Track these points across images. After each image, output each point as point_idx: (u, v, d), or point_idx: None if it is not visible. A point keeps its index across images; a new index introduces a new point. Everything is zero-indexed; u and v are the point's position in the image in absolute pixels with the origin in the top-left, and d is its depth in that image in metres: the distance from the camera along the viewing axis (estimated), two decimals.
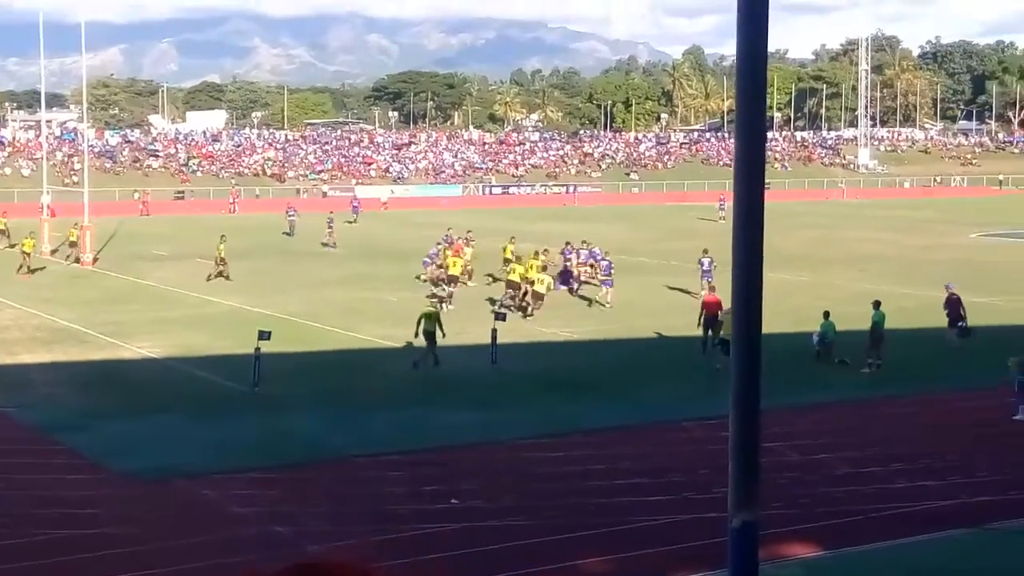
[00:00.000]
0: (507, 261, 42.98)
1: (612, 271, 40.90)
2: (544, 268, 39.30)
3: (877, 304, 30.84)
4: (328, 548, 16.44)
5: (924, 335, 33.94)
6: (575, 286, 42.84)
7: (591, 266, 43.68)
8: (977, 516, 18.07)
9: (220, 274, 45.68)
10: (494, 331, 30.03)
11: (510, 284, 39.20)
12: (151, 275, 47.49)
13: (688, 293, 41.24)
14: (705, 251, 40.83)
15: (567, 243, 45.24)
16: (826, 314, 31.46)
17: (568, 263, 43.90)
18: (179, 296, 41.87)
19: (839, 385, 28.09)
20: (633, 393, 26.95)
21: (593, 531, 17.35)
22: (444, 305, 35.94)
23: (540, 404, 25.82)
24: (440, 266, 42.91)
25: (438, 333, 29.62)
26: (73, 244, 52.68)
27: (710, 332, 30.69)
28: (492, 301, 39.10)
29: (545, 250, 42.16)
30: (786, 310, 34.57)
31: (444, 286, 40.27)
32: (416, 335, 29.94)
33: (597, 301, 39.88)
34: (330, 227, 60.20)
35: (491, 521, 17.84)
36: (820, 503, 18.68)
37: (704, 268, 40.28)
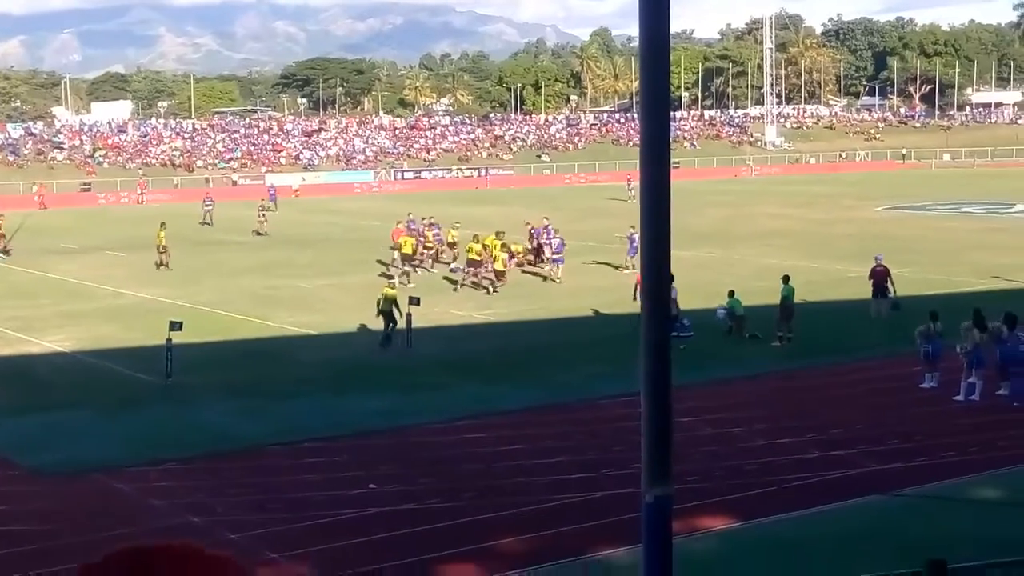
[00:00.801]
0: (451, 245, 44.87)
1: (564, 248, 41.70)
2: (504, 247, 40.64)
3: (786, 279, 31.30)
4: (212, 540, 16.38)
5: (833, 308, 34.52)
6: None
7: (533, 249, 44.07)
8: (887, 483, 18.45)
9: (162, 263, 45.65)
10: (409, 315, 30.00)
11: (471, 263, 39.87)
12: (59, 268, 46.72)
13: (615, 267, 41.79)
14: (633, 227, 41.14)
15: (530, 224, 46.19)
16: (731, 292, 31.88)
17: (537, 242, 44.25)
18: (88, 289, 41.26)
19: (751, 359, 28.47)
20: (550, 374, 27.09)
21: (511, 511, 17.44)
22: (397, 282, 36.23)
23: (456, 387, 25.86)
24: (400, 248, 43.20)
25: (395, 313, 30.25)
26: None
27: None
28: (451, 283, 40.49)
29: (502, 232, 42.48)
30: (697, 286, 34.94)
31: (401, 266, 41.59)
32: (377, 315, 30.56)
33: (549, 278, 41.01)
34: (262, 216, 59.66)
35: (409, 504, 17.86)
36: (734, 475, 18.94)
37: (634, 244, 40.67)
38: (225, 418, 23.57)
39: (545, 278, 40.75)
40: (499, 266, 38.72)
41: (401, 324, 30.18)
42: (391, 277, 36.65)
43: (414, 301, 29.84)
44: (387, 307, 30.55)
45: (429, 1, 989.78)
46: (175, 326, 26.43)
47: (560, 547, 15.95)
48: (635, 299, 31.40)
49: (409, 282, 39.20)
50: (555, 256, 41.54)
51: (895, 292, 33.74)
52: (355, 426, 22.60)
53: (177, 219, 61.28)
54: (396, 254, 43.45)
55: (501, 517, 17.20)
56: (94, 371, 28.33)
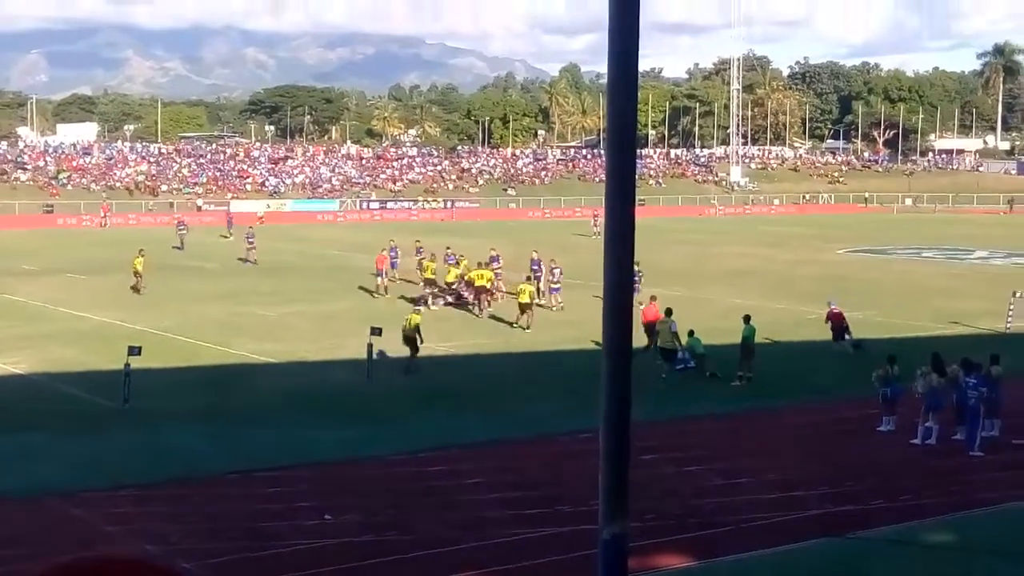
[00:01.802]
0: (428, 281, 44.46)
1: (561, 277, 43.16)
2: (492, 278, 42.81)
3: (747, 318, 31.47)
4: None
5: (795, 348, 34.72)
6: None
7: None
8: (843, 525, 18.51)
9: (135, 287, 45.37)
10: (369, 345, 29.93)
11: (480, 289, 41.65)
12: (19, 290, 46.35)
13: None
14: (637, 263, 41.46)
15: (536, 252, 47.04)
16: (691, 332, 32.02)
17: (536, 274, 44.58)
18: (48, 311, 40.95)
19: (710, 398, 28.56)
20: (510, 407, 27.07)
21: (468, 544, 17.40)
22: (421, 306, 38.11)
23: (416, 419, 25.81)
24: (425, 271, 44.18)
25: (418, 339, 31.08)
26: None
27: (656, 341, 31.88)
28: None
29: (490, 260, 45.46)
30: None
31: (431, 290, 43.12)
32: (403, 341, 31.20)
33: (547, 307, 41.64)
34: (250, 243, 58.60)
35: (366, 536, 17.78)
36: (692, 514, 18.98)
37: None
38: (183, 445, 23.40)
39: (517, 318, 39.75)
40: (524, 299, 38.31)
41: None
42: (417, 303, 38.27)
43: (376, 331, 29.77)
44: (411, 333, 31.18)
45: (400, 32, 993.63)
46: (133, 351, 26.27)
47: None
48: (691, 333, 31.75)
49: (432, 306, 41.42)
50: (554, 286, 42.90)
51: (851, 333, 34.24)
52: (314, 456, 22.50)
53: (137, 245, 60.93)
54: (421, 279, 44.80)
55: (459, 551, 17.15)
56: (52, 394, 28.09)
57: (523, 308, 38.32)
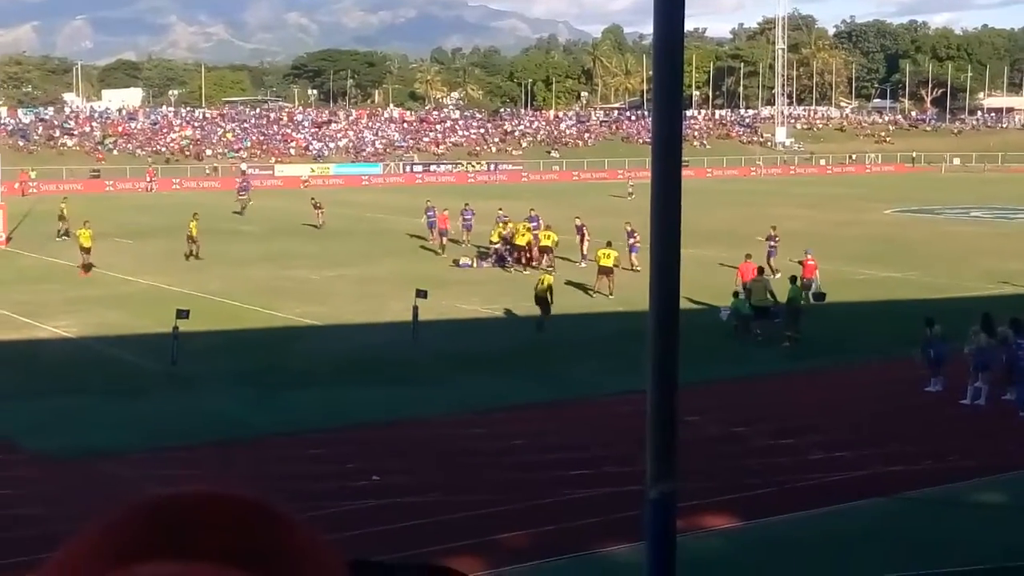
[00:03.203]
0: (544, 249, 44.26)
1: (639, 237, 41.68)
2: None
3: (793, 279, 31.31)
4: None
5: (842, 309, 34.47)
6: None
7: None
8: (891, 485, 18.41)
9: (192, 253, 45.41)
10: (415, 308, 29.98)
11: (544, 249, 42.46)
12: (66, 254, 46.73)
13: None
14: (628, 223, 41.58)
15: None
16: (735, 293, 31.90)
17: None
18: (96, 275, 41.28)
19: (756, 359, 28.43)
20: (556, 369, 27.07)
21: (514, 506, 17.43)
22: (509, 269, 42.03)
23: (461, 381, 25.85)
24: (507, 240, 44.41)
25: (549, 300, 32.04)
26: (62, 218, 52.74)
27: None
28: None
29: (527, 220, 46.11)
30: (705, 286, 34.89)
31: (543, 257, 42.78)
32: (536, 301, 32.09)
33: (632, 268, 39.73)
34: (318, 208, 58.41)
35: (412, 497, 17.85)
36: (738, 475, 18.92)
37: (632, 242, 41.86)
38: (230, 407, 23.58)
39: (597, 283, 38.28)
40: (608, 263, 37.09)
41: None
42: (551, 267, 39.28)
43: (421, 294, 29.83)
44: (543, 294, 32.04)
45: None
46: (182, 314, 26.49)
47: (563, 543, 15.96)
48: (736, 295, 31.53)
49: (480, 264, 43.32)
50: (636, 246, 40.93)
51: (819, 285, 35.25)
52: (359, 417, 22.61)
53: (183, 208, 61.33)
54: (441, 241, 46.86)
55: (504, 512, 17.18)
56: (100, 357, 28.36)
57: (606, 272, 37.07)
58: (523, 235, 43.56)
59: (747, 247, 44.30)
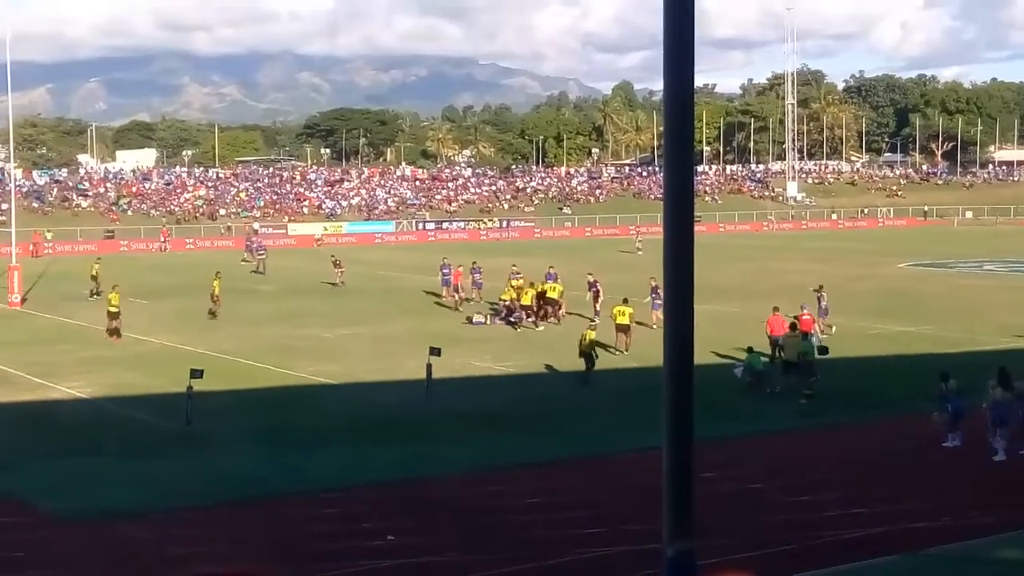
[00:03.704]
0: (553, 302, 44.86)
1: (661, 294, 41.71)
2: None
3: (806, 335, 31.22)
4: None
5: (856, 364, 34.35)
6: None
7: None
8: (910, 542, 18.25)
9: (211, 311, 45.73)
10: (429, 365, 29.96)
11: (524, 307, 42.93)
12: (81, 315, 46.88)
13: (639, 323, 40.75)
14: (653, 279, 41.69)
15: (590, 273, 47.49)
16: (750, 349, 31.82)
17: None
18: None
19: (771, 415, 28.30)
20: (570, 426, 26.99)
21: (530, 564, 17.31)
22: (516, 327, 42.14)
23: (475, 438, 25.77)
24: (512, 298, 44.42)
25: (594, 354, 32.40)
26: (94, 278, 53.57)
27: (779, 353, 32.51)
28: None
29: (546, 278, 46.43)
30: (719, 341, 34.85)
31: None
32: (580, 355, 32.38)
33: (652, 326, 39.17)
34: (338, 267, 58.67)
35: (428, 557, 17.75)
36: (755, 532, 18.78)
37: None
38: (245, 466, 23.52)
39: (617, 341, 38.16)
40: (624, 320, 37.18)
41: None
42: (593, 321, 39.33)
43: (435, 351, 29.81)
44: (588, 349, 32.34)
45: (453, 53, 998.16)
46: (196, 373, 26.52)
47: None
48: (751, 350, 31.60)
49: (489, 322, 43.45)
50: (657, 302, 40.08)
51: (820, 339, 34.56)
52: (374, 476, 22.54)
53: (196, 268, 61.64)
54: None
55: (521, 571, 17.06)
56: (114, 417, 28.36)
57: (623, 329, 36.94)
58: (526, 293, 43.50)
59: (760, 302, 44.25)
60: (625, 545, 17.79)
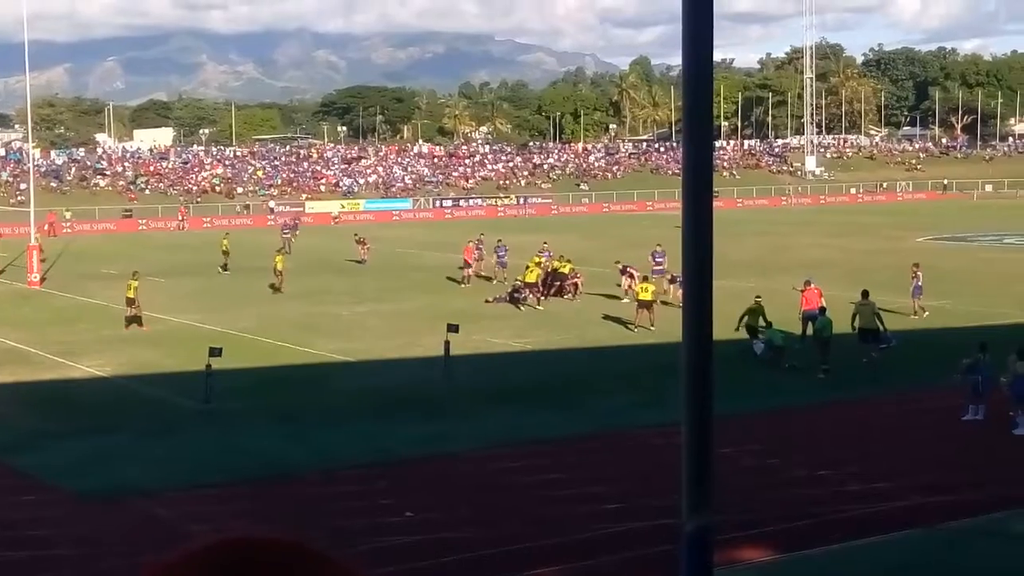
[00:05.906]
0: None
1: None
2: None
3: (823, 310, 31.15)
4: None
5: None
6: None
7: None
8: (929, 516, 18.23)
9: (274, 286, 46.39)
10: (447, 342, 29.98)
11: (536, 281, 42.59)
12: (99, 294, 47.01)
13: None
14: (659, 245, 41.97)
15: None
16: (769, 324, 31.77)
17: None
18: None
19: (790, 390, 28.27)
20: (588, 402, 27.00)
21: (548, 540, 17.35)
22: (520, 306, 41.75)
23: (494, 415, 25.82)
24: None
25: (762, 325, 32.12)
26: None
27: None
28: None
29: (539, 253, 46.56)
30: (737, 316, 34.75)
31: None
32: (736, 329, 31.39)
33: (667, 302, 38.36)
34: (362, 244, 58.57)
35: (446, 533, 17.80)
36: (774, 507, 18.78)
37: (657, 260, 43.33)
38: (264, 444, 23.61)
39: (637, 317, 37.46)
40: (645, 296, 37.03)
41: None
42: (758, 295, 36.32)
43: (452, 328, 29.82)
44: (753, 321, 32.14)
45: (469, 30, 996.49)
46: (215, 352, 26.57)
47: None
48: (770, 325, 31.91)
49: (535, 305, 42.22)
50: (673, 277, 39.81)
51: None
52: (393, 453, 22.59)
53: (214, 247, 61.54)
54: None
55: (539, 547, 17.11)
56: (134, 396, 28.49)
57: (647, 306, 36.48)
58: (531, 271, 42.95)
59: (777, 276, 44.16)
60: (644, 520, 17.81)
